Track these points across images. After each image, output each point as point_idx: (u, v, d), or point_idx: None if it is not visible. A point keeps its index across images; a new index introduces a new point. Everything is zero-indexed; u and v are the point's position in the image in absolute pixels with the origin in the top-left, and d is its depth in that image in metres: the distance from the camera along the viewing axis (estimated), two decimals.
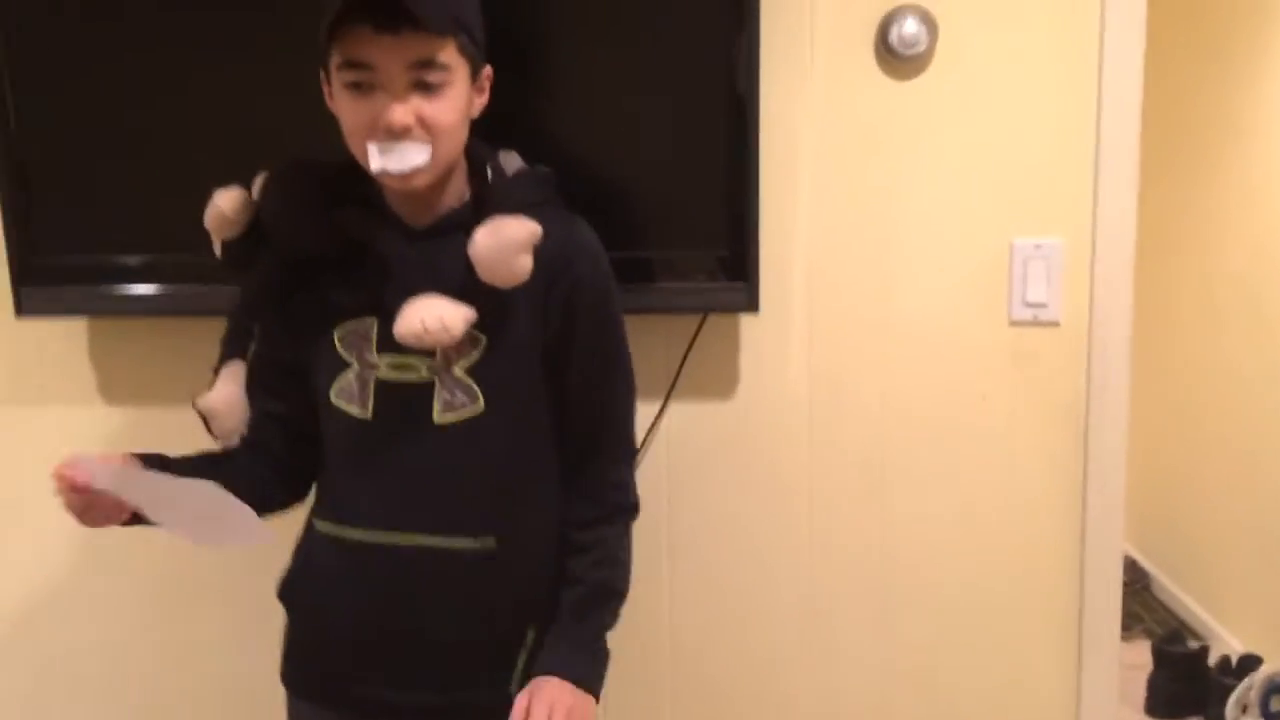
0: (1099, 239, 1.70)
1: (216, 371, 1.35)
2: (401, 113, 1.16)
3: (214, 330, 1.39)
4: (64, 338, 1.75)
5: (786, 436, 1.76)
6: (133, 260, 1.63)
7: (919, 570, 1.79)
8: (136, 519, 1.21)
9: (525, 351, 1.29)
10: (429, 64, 1.17)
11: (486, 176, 1.30)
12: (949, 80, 1.67)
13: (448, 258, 1.25)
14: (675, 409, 1.75)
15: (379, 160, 1.18)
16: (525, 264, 1.22)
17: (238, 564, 1.70)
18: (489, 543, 1.30)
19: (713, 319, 1.71)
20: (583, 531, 1.34)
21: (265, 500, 1.29)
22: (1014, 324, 1.73)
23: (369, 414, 1.29)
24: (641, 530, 1.71)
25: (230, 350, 1.35)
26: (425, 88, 1.18)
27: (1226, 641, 3.21)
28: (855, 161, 1.70)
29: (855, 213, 1.71)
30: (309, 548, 1.39)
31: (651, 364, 1.72)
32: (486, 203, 1.26)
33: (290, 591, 1.40)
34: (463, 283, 1.24)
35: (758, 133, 1.58)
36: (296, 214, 1.29)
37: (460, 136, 1.24)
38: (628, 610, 1.38)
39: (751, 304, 1.63)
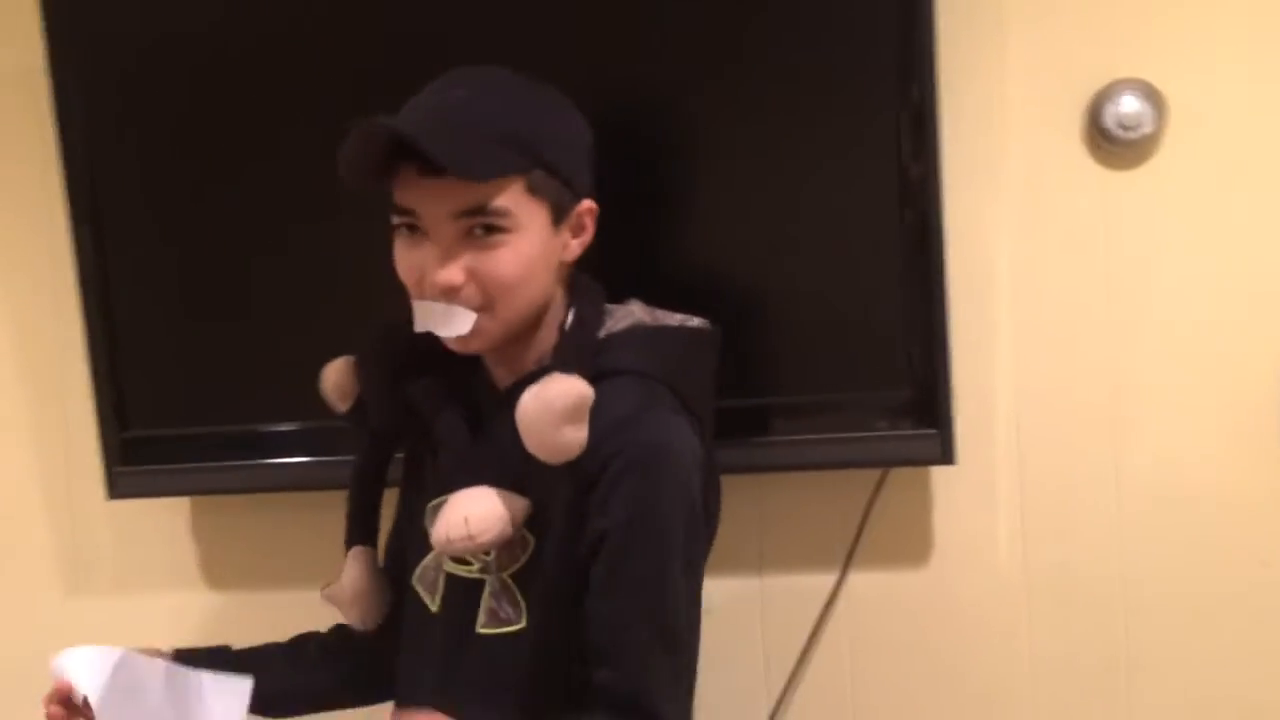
0: None
1: (346, 552, 1.29)
2: (446, 271, 1.04)
3: (317, 505, 1.35)
4: (163, 518, 1.69)
5: (997, 621, 1.51)
6: (230, 433, 1.58)
7: None
8: None
9: (571, 556, 1.08)
10: (482, 211, 1.03)
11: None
12: (1186, 166, 1.42)
13: (511, 432, 1.08)
14: (855, 580, 1.54)
15: (421, 322, 1.07)
16: (575, 437, 1.03)
17: None
18: None
19: (900, 474, 1.49)
20: None
21: (334, 693, 1.31)
22: None
23: (436, 606, 1.19)
24: None
25: (352, 534, 1.28)
26: (481, 238, 1.04)
27: None
28: (1068, 273, 1.46)
29: (1071, 336, 1.47)
30: None
31: (827, 529, 1.54)
32: (563, 358, 1.10)
33: None
34: (519, 466, 1.07)
35: (943, 246, 1.38)
36: (372, 391, 1.20)
37: (534, 290, 1.09)
38: None
39: (945, 455, 1.41)
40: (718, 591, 1.52)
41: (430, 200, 1.03)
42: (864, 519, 1.51)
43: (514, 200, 1.04)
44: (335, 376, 1.23)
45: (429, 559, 1.20)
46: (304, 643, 1.32)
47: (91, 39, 1.52)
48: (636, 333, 1.14)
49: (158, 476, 1.57)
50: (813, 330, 1.43)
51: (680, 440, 1.07)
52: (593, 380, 1.04)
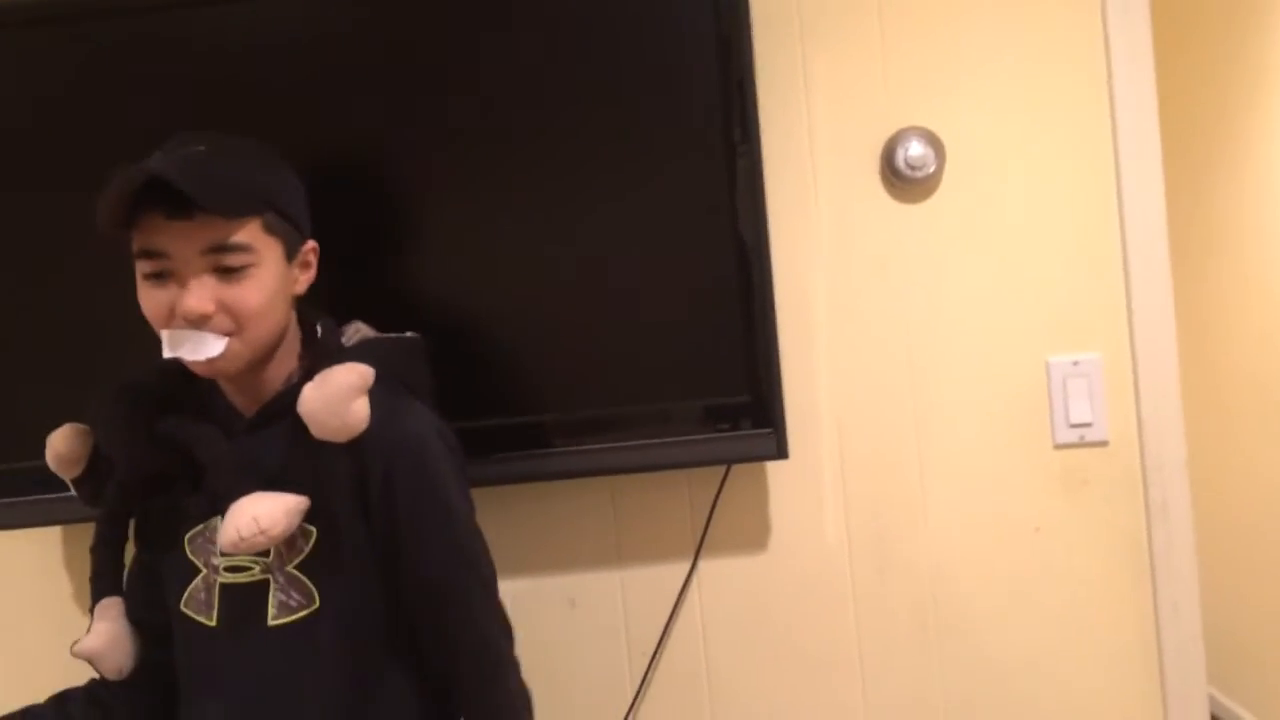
0: (1139, 350, 1.61)
1: (91, 611, 1.27)
2: (198, 300, 1.10)
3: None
4: (37, 547, 1.64)
5: (828, 591, 1.64)
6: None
7: None
8: None
9: (357, 543, 1.17)
10: (228, 248, 1.10)
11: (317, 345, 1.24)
12: (961, 200, 1.61)
13: (274, 445, 1.17)
14: (706, 567, 1.64)
15: (171, 348, 1.11)
16: (360, 410, 1.13)
17: None
18: None
19: (738, 470, 1.62)
20: None
21: None
22: (1059, 447, 1.62)
23: (214, 621, 1.20)
24: (682, 702, 1.62)
25: (100, 588, 1.28)
26: (227, 272, 1.11)
27: None
28: (873, 291, 1.62)
29: (878, 345, 1.63)
30: None
31: (677, 521, 1.63)
32: (312, 370, 1.18)
33: None
34: (285, 470, 1.16)
35: (770, 269, 1.51)
36: (121, 438, 1.21)
37: (275, 318, 1.16)
38: None
39: (780, 450, 1.53)
40: (581, 585, 1.65)
41: (179, 240, 1.09)
42: (711, 512, 1.61)
43: (254, 236, 1.12)
44: (63, 444, 1.24)
45: (196, 582, 1.21)
46: (67, 701, 1.29)
47: None
48: (369, 343, 1.25)
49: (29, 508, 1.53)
50: (663, 348, 1.51)
51: (427, 421, 1.19)
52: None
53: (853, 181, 1.61)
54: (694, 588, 1.64)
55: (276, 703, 1.18)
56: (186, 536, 1.22)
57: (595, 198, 1.50)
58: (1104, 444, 1.61)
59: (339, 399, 1.12)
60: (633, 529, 1.63)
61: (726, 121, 1.49)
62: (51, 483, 1.33)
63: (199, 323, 1.10)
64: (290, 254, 1.17)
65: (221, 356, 1.12)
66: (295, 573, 1.17)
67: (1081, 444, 1.61)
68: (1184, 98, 3.26)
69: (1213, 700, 3.48)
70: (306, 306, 1.24)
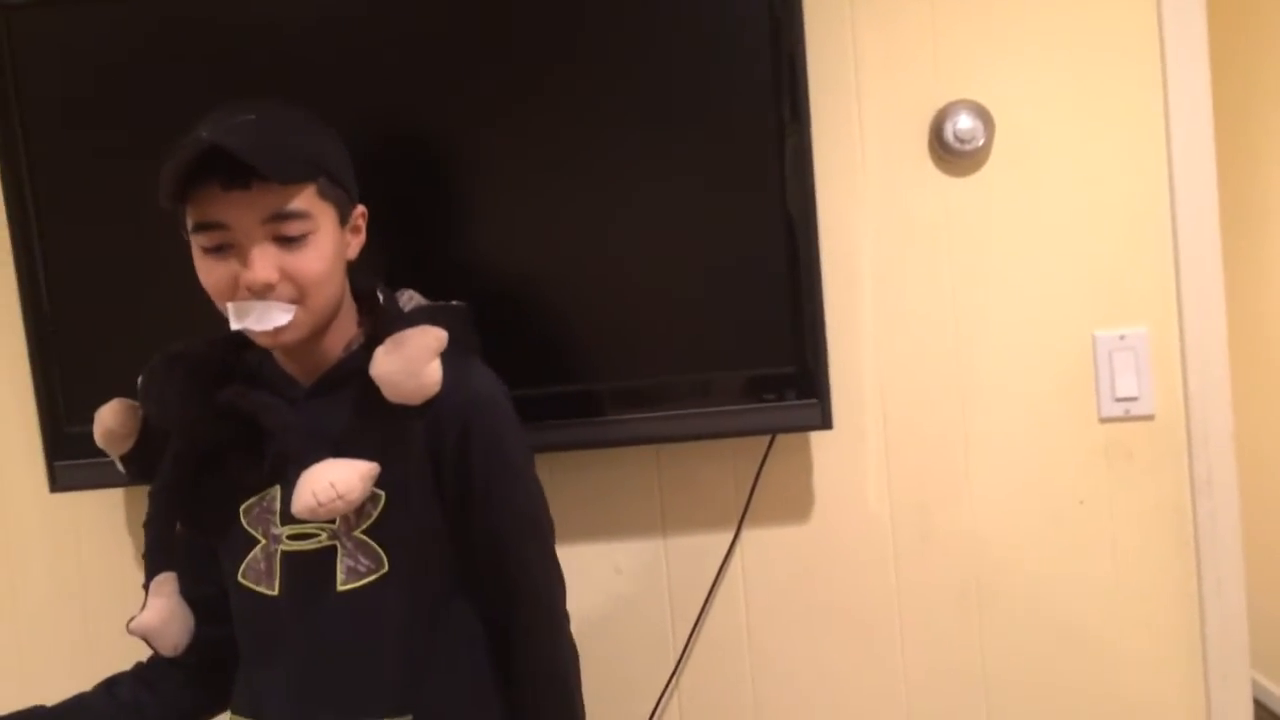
0: (1186, 325, 1.61)
1: (146, 587, 1.27)
2: (262, 269, 1.09)
3: None
4: (102, 510, 1.68)
5: (870, 561, 1.65)
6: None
7: (1027, 701, 1.65)
8: None
9: (426, 505, 1.19)
10: (287, 215, 1.10)
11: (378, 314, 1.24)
12: (1010, 173, 1.61)
13: (338, 411, 1.18)
14: (749, 536, 1.66)
15: (238, 319, 1.11)
16: (434, 373, 1.15)
17: None
18: None
19: (782, 440, 1.63)
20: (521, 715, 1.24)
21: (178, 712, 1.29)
22: (1105, 421, 1.62)
23: (276, 590, 1.20)
24: (724, 668, 1.64)
25: (155, 563, 1.27)
26: (287, 240, 1.11)
27: None
28: (920, 265, 1.62)
29: (925, 318, 1.63)
30: None
31: (722, 491, 1.64)
32: (379, 336, 1.19)
33: None
34: (351, 436, 1.17)
35: (817, 243, 1.52)
36: (179, 410, 1.20)
37: (334, 285, 1.17)
38: None
39: (825, 421, 1.54)
40: (626, 552, 1.67)
41: (239, 210, 1.08)
42: (755, 481, 1.63)
43: (310, 203, 1.11)
44: (113, 419, 1.24)
45: (255, 552, 1.21)
46: (115, 685, 1.29)
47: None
48: (428, 309, 1.26)
49: (97, 469, 1.54)
50: (711, 320, 1.52)
51: (493, 381, 1.21)
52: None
53: (902, 155, 1.62)
54: (737, 556, 1.65)
55: (344, 665, 1.18)
56: (242, 508, 1.22)
57: (646, 171, 1.51)
58: (1149, 418, 1.61)
59: (417, 361, 1.14)
60: (678, 498, 1.65)
61: (777, 98, 1.50)
62: None
63: (263, 292, 1.10)
64: (343, 219, 1.17)
65: (289, 326, 1.12)
66: (364, 538, 1.18)
67: (1127, 418, 1.61)
68: (1239, 71, 3.21)
69: (1255, 684, 3.46)
70: (357, 273, 1.25)
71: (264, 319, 1.10)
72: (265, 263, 1.09)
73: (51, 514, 1.69)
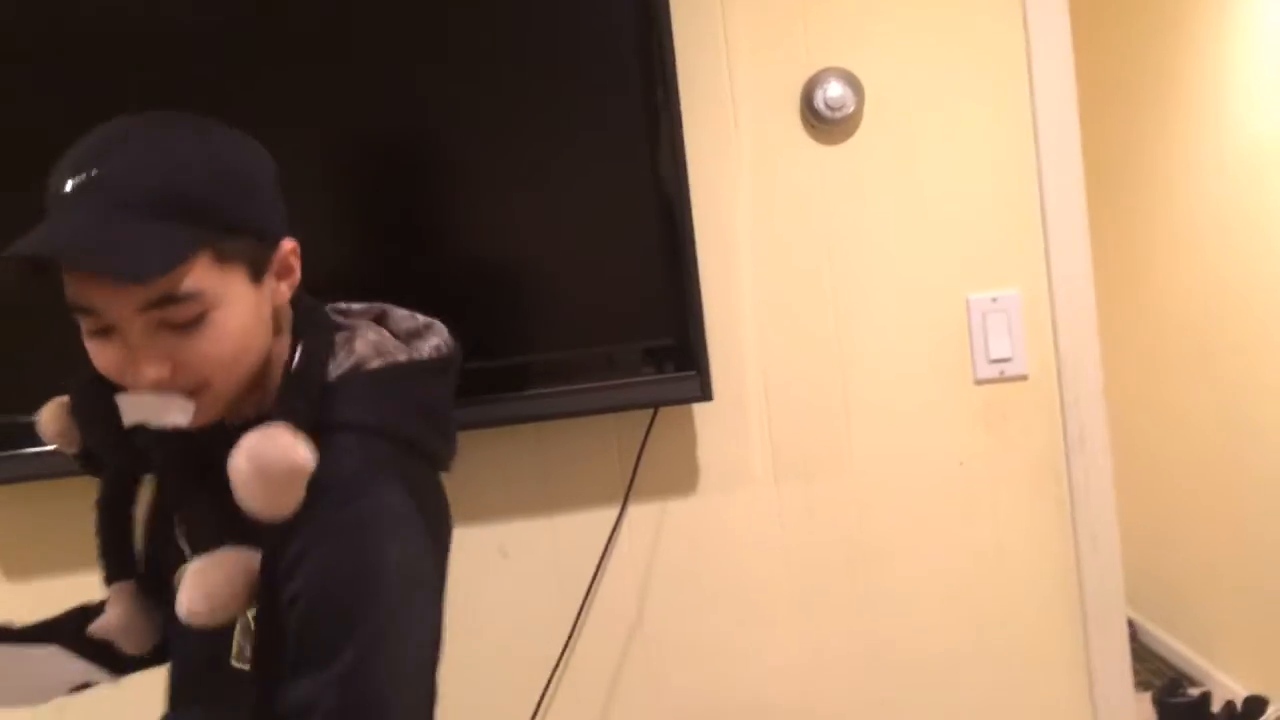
0: (1056, 287, 1.64)
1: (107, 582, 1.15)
2: (149, 370, 0.90)
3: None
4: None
5: (757, 531, 1.66)
6: (20, 420, 1.47)
7: (914, 659, 1.68)
8: None
9: (271, 615, 0.96)
10: (170, 300, 0.89)
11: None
12: (882, 140, 1.62)
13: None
14: (635, 512, 1.65)
15: (130, 415, 0.93)
16: (288, 501, 0.91)
17: None
18: None
19: (664, 414, 1.62)
20: None
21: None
22: (980, 383, 1.65)
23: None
24: (615, 645, 1.65)
25: (111, 567, 1.13)
26: (178, 326, 0.90)
27: (1225, 686, 3.11)
28: (794, 232, 1.63)
29: (801, 285, 1.64)
30: None
31: (606, 467, 1.64)
32: (278, 406, 0.97)
33: None
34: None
35: (690, 217, 1.51)
36: (92, 432, 1.05)
37: (253, 353, 0.97)
38: None
39: (705, 392, 1.54)
40: (512, 535, 1.65)
41: (110, 299, 0.88)
42: (639, 457, 1.62)
43: (203, 278, 0.90)
44: (53, 423, 1.08)
45: (183, 569, 1.05)
46: (89, 611, 1.16)
47: None
48: (361, 380, 1.01)
49: None
50: (587, 294, 1.52)
51: (381, 506, 0.96)
52: (314, 430, 0.94)
53: (773, 124, 1.61)
54: (624, 532, 1.65)
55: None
56: (177, 520, 1.09)
57: (522, 153, 1.50)
58: (1023, 378, 1.65)
59: (267, 483, 0.91)
60: (561, 476, 1.64)
61: (646, 74, 1.49)
62: None
63: (158, 386, 0.92)
64: (257, 272, 0.96)
65: (195, 415, 0.94)
66: (250, 622, 0.99)
67: (1001, 379, 1.65)
68: (1104, 37, 3.30)
69: (1135, 625, 3.60)
70: (300, 303, 1.05)
71: (164, 415, 0.92)
72: (152, 357, 0.90)
73: None
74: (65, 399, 1.07)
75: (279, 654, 0.94)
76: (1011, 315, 1.63)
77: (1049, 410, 1.65)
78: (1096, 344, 1.64)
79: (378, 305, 1.11)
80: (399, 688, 0.95)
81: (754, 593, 1.66)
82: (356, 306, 1.11)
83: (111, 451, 1.05)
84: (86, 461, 1.10)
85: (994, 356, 1.63)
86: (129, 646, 1.13)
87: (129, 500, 1.11)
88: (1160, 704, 2.86)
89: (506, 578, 1.65)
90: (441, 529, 1.08)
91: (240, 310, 0.93)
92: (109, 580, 1.11)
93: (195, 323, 0.90)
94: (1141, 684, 3.29)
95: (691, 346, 1.53)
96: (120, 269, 0.85)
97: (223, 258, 0.91)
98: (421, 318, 1.11)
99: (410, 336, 1.09)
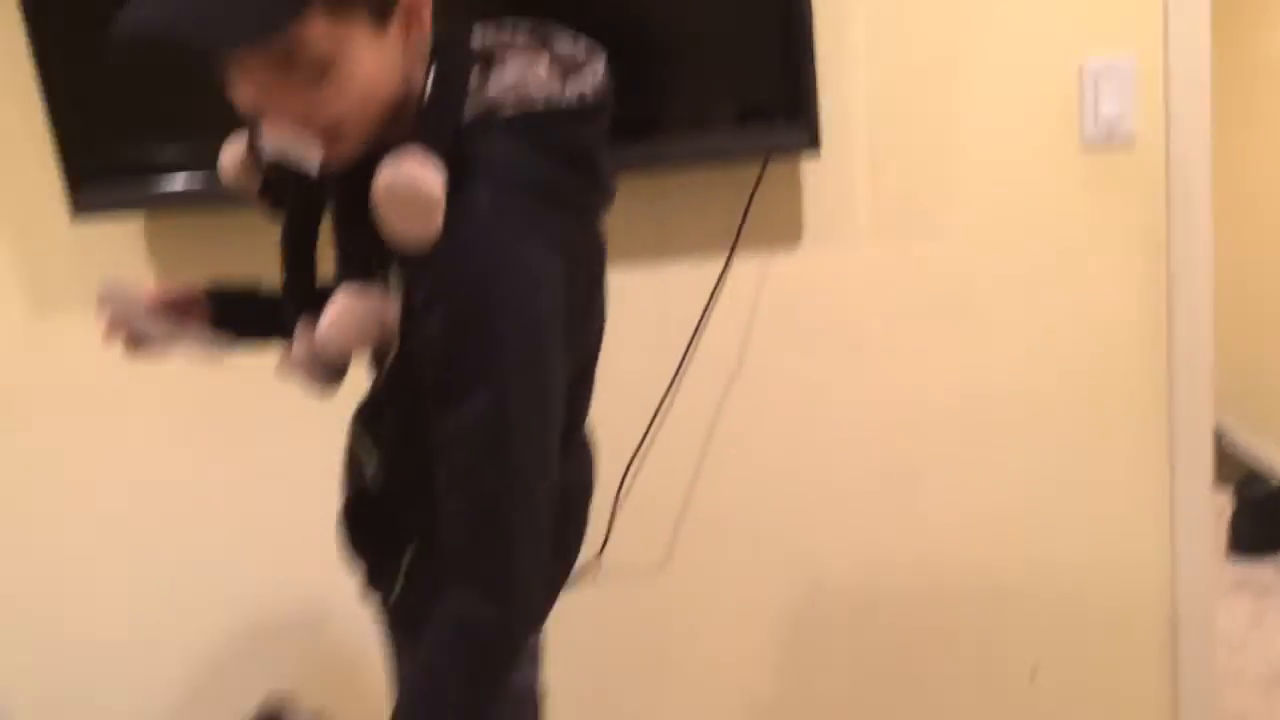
0: (1172, 55, 1.63)
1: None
2: (275, 119, 0.94)
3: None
4: (120, 239, 1.72)
5: (855, 285, 1.72)
6: (183, 150, 1.60)
7: (1004, 413, 1.76)
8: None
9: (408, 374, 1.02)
10: (286, 60, 0.90)
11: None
12: None
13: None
14: (740, 262, 1.71)
15: (271, 145, 0.96)
16: (423, 231, 0.93)
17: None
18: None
19: (772, 170, 1.66)
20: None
21: None
22: (1086, 144, 1.66)
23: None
24: (713, 385, 1.71)
25: (294, 303, 1.13)
26: (303, 80, 0.92)
27: None
28: None
29: (915, 40, 1.64)
30: None
31: (712, 219, 1.69)
32: (418, 132, 0.97)
33: None
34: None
35: None
36: (274, 165, 1.07)
37: (381, 99, 0.97)
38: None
39: (813, 141, 1.58)
40: (623, 280, 1.73)
41: (231, 66, 0.92)
42: (746, 209, 1.66)
43: (317, 34, 0.90)
44: (234, 163, 1.09)
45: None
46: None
47: None
48: (496, 127, 1.00)
49: (118, 192, 1.60)
50: (704, 50, 1.55)
51: (517, 266, 0.96)
52: (453, 166, 0.95)
53: None
54: (728, 282, 1.72)
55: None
56: (335, 252, 1.14)
57: None
58: (1130, 144, 1.66)
59: (405, 206, 0.93)
60: (673, 227, 1.70)
61: None
62: None
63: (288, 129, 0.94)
64: (379, 20, 0.94)
65: (326, 161, 0.96)
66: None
67: (1108, 143, 1.66)
68: None
69: (1221, 429, 3.63)
70: (441, 35, 1.02)
71: (296, 153, 0.95)
72: (276, 109, 0.93)
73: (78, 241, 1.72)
74: (240, 139, 1.09)
75: (415, 393, 0.99)
76: (1124, 81, 1.63)
77: (1154, 176, 1.66)
78: (1208, 112, 1.64)
79: (542, 28, 1.07)
80: (529, 432, 0.98)
81: (852, 336, 1.73)
82: (520, 29, 1.07)
83: (292, 183, 1.07)
84: (268, 199, 1.11)
85: (1103, 118, 1.64)
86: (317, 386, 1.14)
87: (312, 236, 1.12)
88: (1239, 494, 2.93)
89: (618, 322, 1.74)
90: (591, 273, 1.09)
91: (364, 59, 0.93)
92: (293, 315, 1.11)
93: (318, 78, 0.91)
94: (1221, 476, 3.33)
95: (803, 98, 1.56)
96: (226, 34, 0.86)
97: (337, 12, 0.90)
98: (584, 47, 1.06)
99: (567, 70, 1.04)
